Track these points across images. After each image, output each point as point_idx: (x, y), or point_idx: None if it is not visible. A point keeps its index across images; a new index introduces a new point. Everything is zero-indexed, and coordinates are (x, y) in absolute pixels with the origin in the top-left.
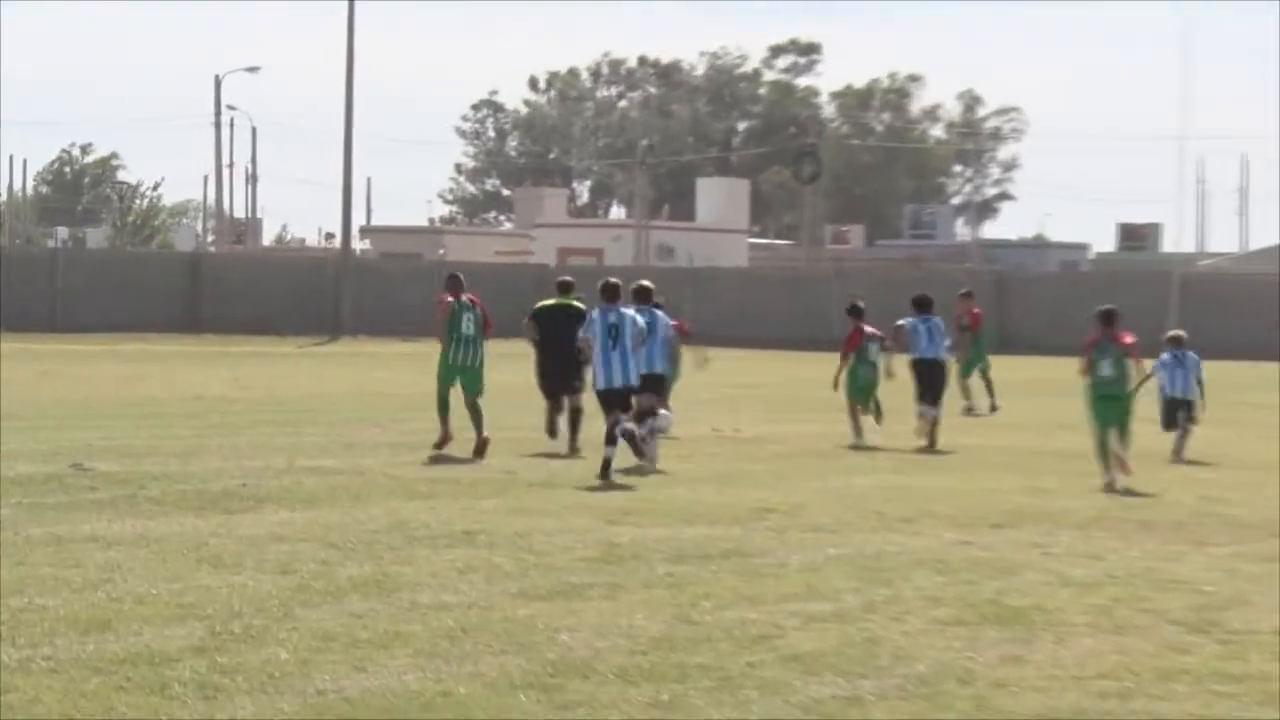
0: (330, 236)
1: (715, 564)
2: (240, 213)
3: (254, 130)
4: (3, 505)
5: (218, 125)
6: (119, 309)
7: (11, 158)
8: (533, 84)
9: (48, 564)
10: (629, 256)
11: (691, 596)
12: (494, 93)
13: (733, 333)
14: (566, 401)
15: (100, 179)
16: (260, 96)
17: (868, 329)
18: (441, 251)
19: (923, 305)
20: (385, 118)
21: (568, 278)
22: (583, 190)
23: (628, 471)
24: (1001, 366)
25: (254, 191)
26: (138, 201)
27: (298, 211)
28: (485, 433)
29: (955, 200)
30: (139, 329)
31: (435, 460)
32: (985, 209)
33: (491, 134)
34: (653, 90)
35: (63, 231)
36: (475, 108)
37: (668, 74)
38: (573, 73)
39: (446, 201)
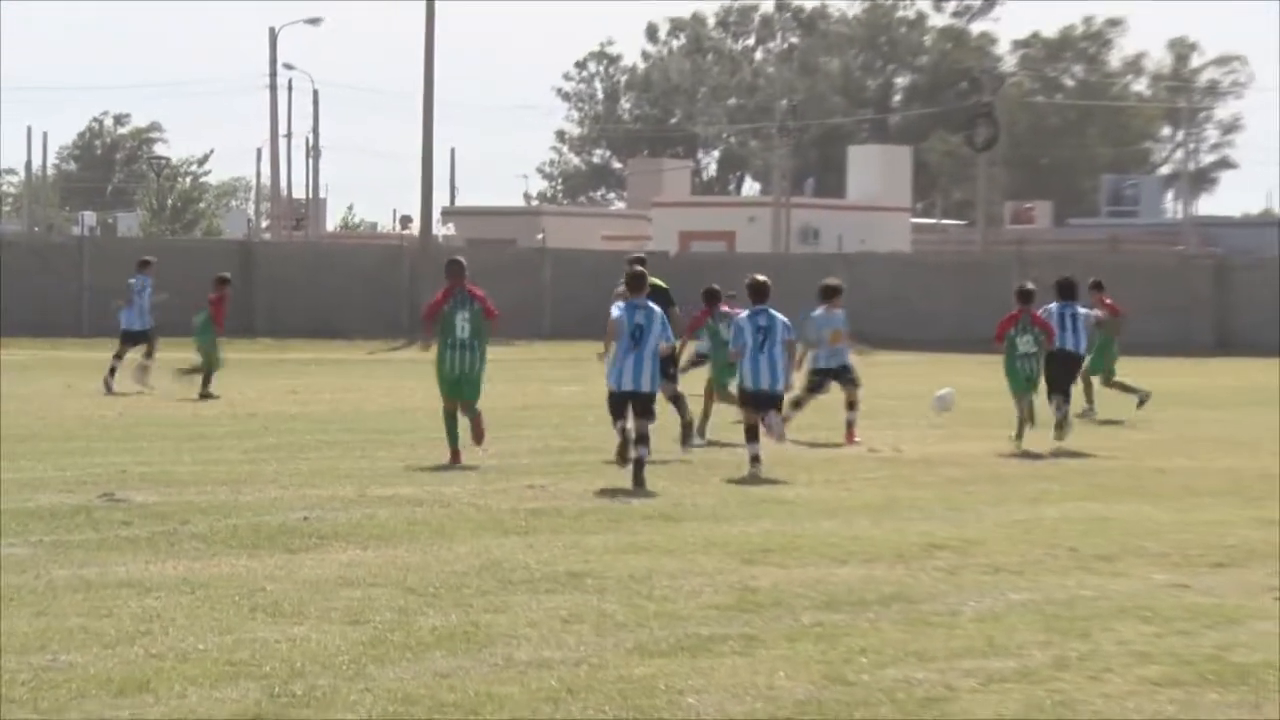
0: (407, 220)
1: (873, 612)
2: (300, 193)
3: (315, 94)
4: (22, 544)
5: (273, 88)
6: (162, 308)
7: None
8: (651, 33)
9: (75, 613)
10: (766, 240)
11: (845, 651)
12: (606, 44)
13: (892, 331)
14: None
15: (135, 154)
16: (323, 54)
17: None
18: (540, 236)
19: (1066, 291)
20: (472, 77)
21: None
22: (710, 162)
23: (759, 503)
24: (1219, 371)
25: (316, 167)
26: (179, 180)
27: (368, 191)
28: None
29: (1163, 170)
30: (180, 332)
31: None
32: (1200, 180)
33: (600, 95)
34: (794, 40)
35: (90, 217)
36: (580, 64)
37: (812, 21)
38: (698, 20)
39: (545, 177)
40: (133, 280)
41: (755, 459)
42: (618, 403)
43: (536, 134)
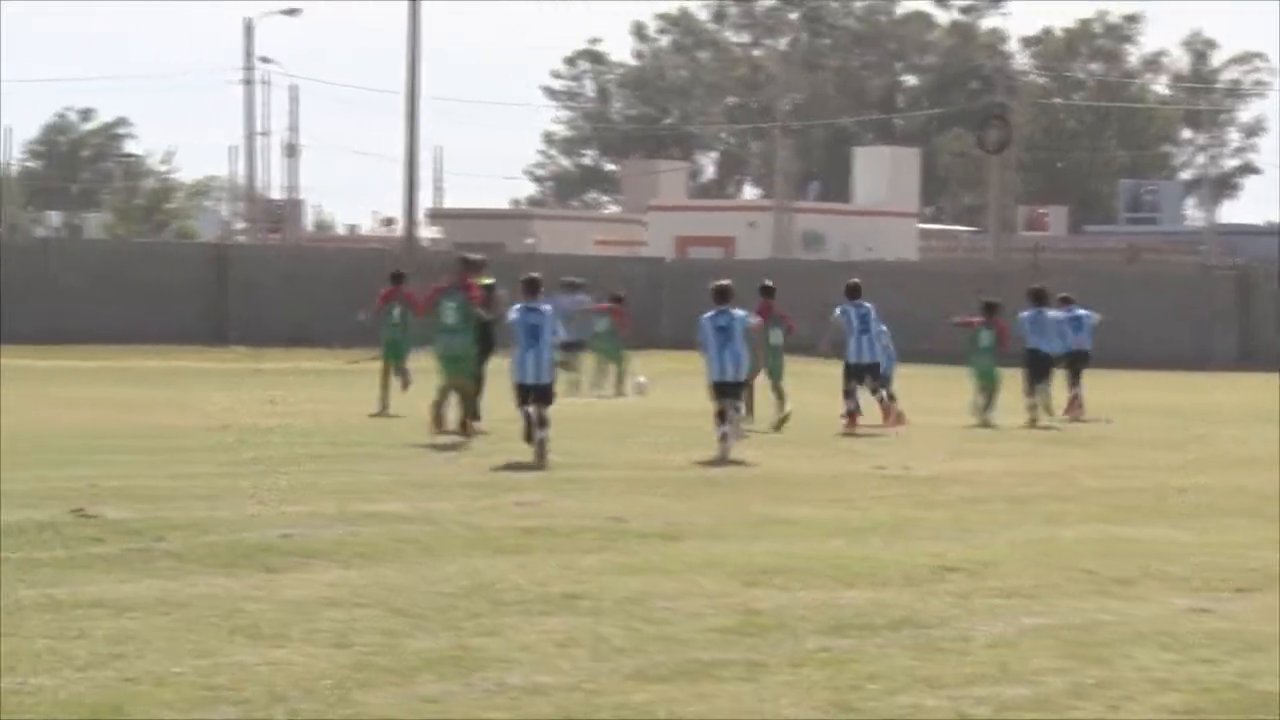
0: (390, 222)
1: (882, 636)
2: (276, 193)
3: (293, 89)
4: None
5: (249, 83)
6: (125, 314)
7: None
8: (639, 31)
9: (44, 635)
10: (766, 246)
11: (852, 678)
12: (594, 41)
13: (898, 343)
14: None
15: (102, 151)
16: (301, 47)
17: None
18: (530, 241)
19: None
20: (458, 73)
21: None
22: (707, 164)
23: (761, 522)
24: (1242, 385)
25: (294, 166)
26: (148, 179)
27: (348, 191)
28: (478, 421)
29: (1184, 175)
30: (151, 339)
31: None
32: (1223, 185)
33: (591, 94)
34: (795, 36)
35: (55, 217)
36: (570, 60)
37: (814, 15)
38: (688, 15)
39: (534, 179)
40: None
41: (724, 437)
42: (522, 392)
43: (525, 133)
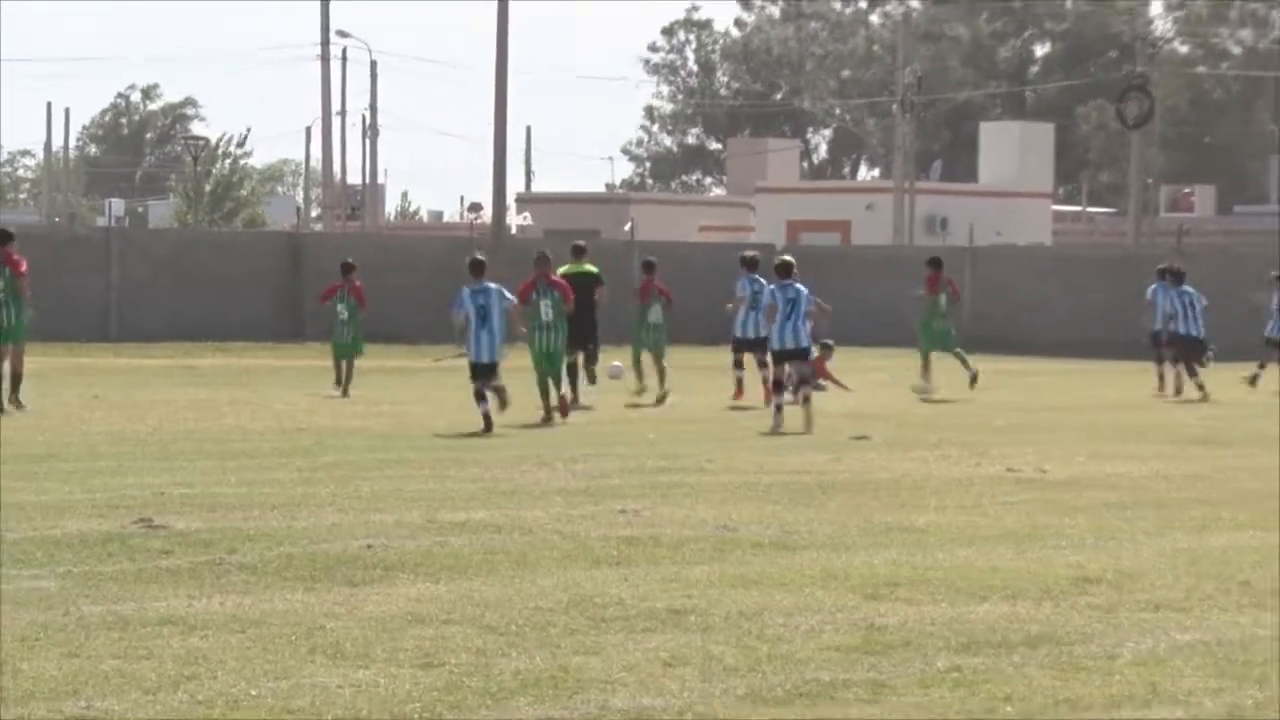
0: (477, 209)
1: (1018, 654)
2: (355, 177)
3: (373, 65)
4: (49, 576)
5: (325, 59)
6: (194, 309)
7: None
8: None
9: (110, 655)
10: (886, 231)
11: (986, 700)
12: (694, 10)
13: (1030, 335)
14: (581, 360)
15: (168, 134)
16: (382, 21)
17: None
18: (627, 226)
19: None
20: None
21: (581, 242)
22: (820, 142)
23: (883, 530)
24: None
25: (373, 148)
26: (218, 164)
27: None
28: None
29: None
30: (221, 336)
31: (622, 512)
32: None
33: (693, 67)
34: (915, 4)
35: (118, 205)
36: (668, 31)
37: None
38: None
39: (633, 159)
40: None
41: (779, 409)
42: (474, 369)
43: (622, 111)
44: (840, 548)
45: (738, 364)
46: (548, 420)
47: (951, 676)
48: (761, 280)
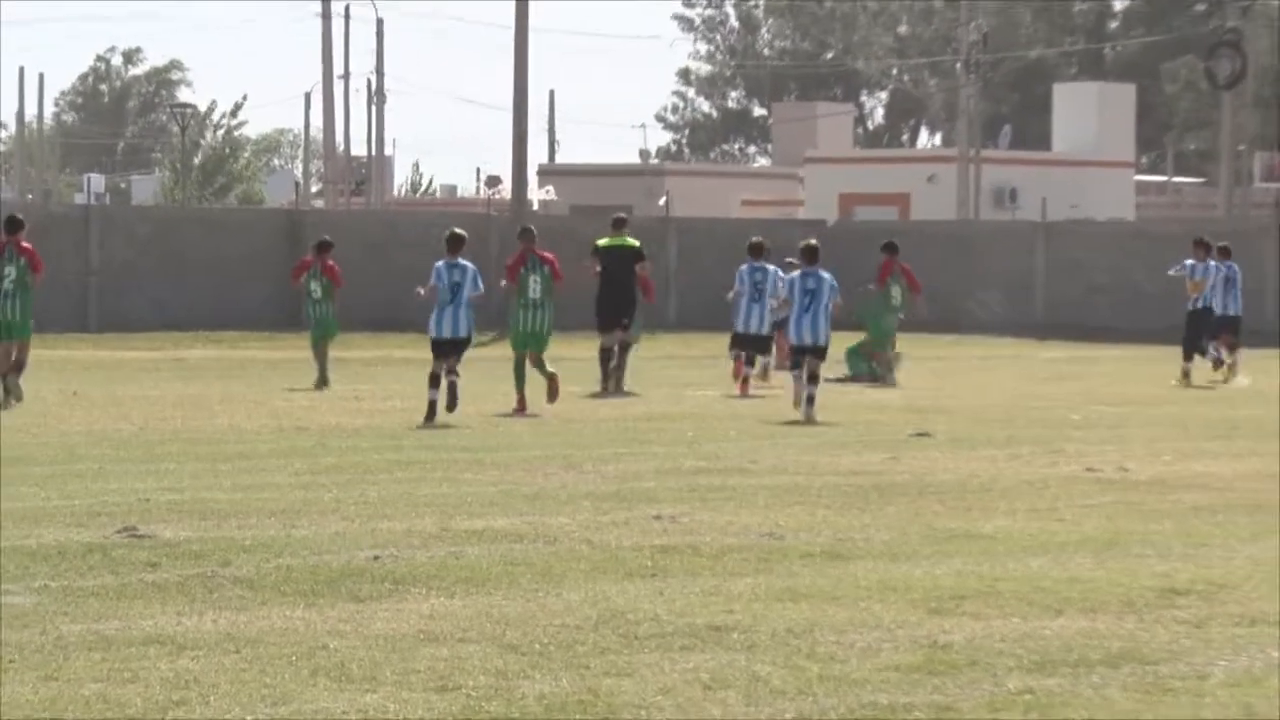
0: (495, 183)
1: (1097, 674)
2: (360, 149)
3: (379, 24)
4: (24, 590)
5: (325, 17)
6: (182, 296)
7: (22, 72)
8: None
9: (91, 678)
10: (949, 204)
11: None
12: None
13: (1111, 319)
14: (618, 338)
15: (153, 102)
16: None
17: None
18: (662, 202)
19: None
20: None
21: (621, 214)
22: (876, 107)
23: (948, 538)
24: None
25: (380, 116)
26: (209, 135)
27: (445, 146)
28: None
29: None
30: (212, 325)
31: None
32: None
33: (734, 24)
34: None
35: (97, 181)
36: None
37: None
38: None
39: (668, 127)
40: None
41: (810, 400)
42: (437, 347)
43: (655, 73)
44: (899, 557)
45: (746, 360)
46: (519, 411)
47: (1024, 699)
48: (768, 268)
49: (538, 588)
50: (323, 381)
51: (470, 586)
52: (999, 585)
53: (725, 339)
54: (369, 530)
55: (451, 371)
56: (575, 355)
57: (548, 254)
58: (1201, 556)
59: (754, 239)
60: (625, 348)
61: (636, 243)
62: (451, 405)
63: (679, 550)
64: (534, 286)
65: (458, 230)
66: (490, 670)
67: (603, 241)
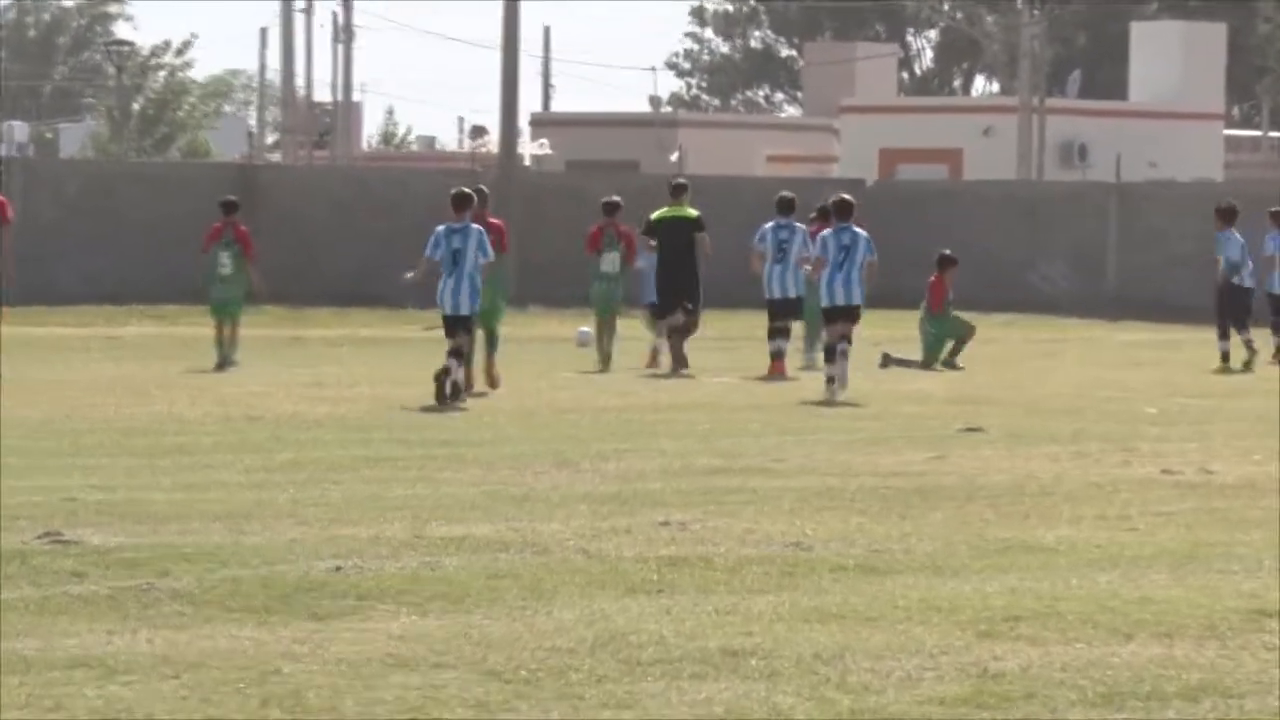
0: (481, 133)
1: (1174, 708)
2: (324, 94)
3: None
4: None
5: None
6: (117, 263)
7: None
8: None
9: (10, 705)
10: (1008, 162)
11: None
12: None
13: (1195, 296)
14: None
15: (85, 38)
16: None
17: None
18: (674, 156)
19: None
20: None
21: (681, 179)
22: (924, 48)
23: (1001, 549)
24: None
25: (348, 56)
26: (150, 77)
27: (424, 91)
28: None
29: None
30: (152, 297)
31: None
32: None
33: None
34: None
35: (20, 129)
36: None
37: None
38: None
39: (681, 73)
40: None
41: (831, 380)
42: (445, 323)
43: (664, 10)
44: (945, 571)
45: (778, 334)
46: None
47: None
48: (796, 226)
49: (525, 605)
50: (225, 363)
51: (447, 603)
52: (1060, 605)
53: (744, 317)
54: (330, 537)
55: (455, 354)
56: (553, 335)
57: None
58: None
59: (784, 193)
60: (687, 332)
61: (696, 213)
62: (454, 393)
63: (689, 562)
64: (611, 261)
65: (464, 188)
66: (469, 701)
67: (658, 214)
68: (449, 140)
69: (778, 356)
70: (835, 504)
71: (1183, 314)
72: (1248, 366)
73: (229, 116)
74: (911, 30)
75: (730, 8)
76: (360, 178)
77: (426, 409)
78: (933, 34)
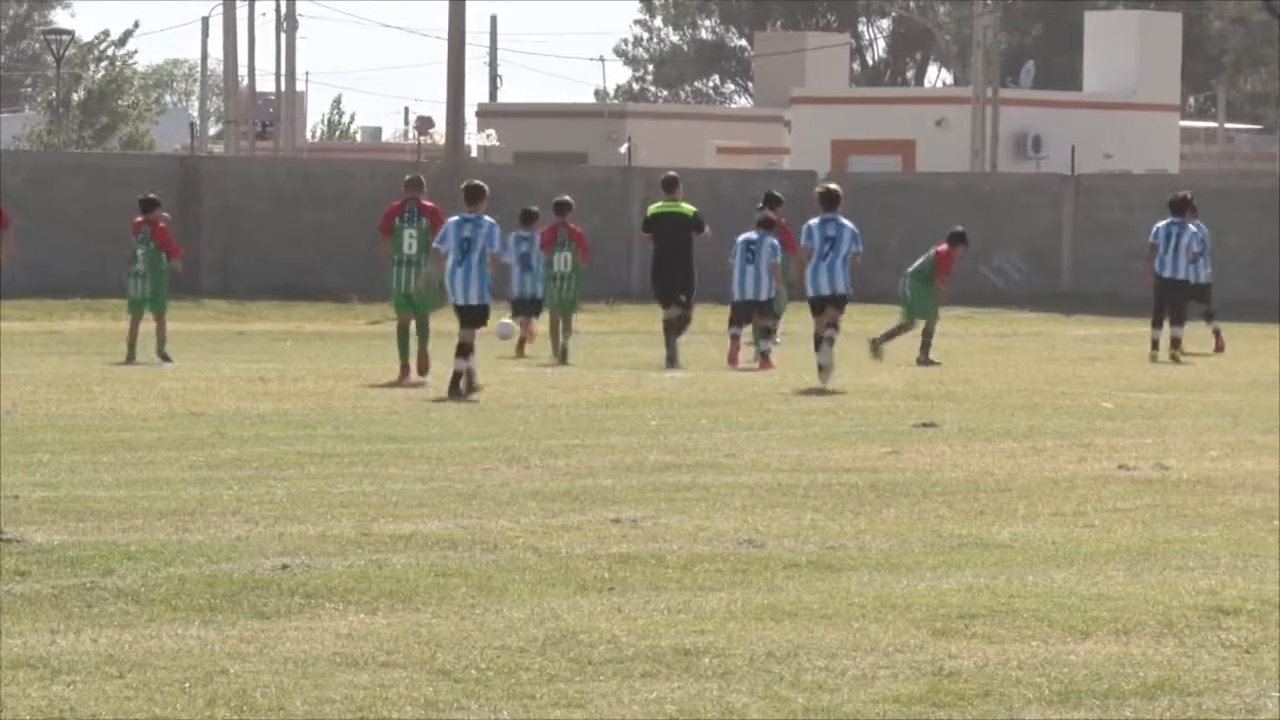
0: (427, 125)
1: (1131, 706)
2: (267, 84)
3: None
4: None
5: None
6: (57, 256)
7: None
8: None
9: None
10: (961, 153)
11: None
12: None
13: (1150, 290)
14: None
15: (23, 27)
16: None
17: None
18: (623, 149)
19: (1177, 208)
20: None
21: (672, 173)
22: (877, 37)
23: (956, 546)
24: None
25: (291, 45)
26: (91, 67)
27: (369, 82)
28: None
29: None
30: (92, 291)
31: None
32: None
33: None
34: None
35: None
36: None
37: None
38: None
39: (628, 62)
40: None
41: (822, 368)
42: (461, 315)
43: None
44: (900, 569)
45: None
46: (405, 377)
47: None
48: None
49: (474, 603)
50: (130, 357)
51: (395, 601)
52: (1016, 602)
53: (708, 308)
54: (276, 535)
55: (464, 351)
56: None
57: (577, 229)
58: (1253, 570)
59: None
60: (681, 326)
61: (692, 209)
62: (467, 387)
63: (641, 560)
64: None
65: (476, 181)
66: (418, 700)
67: (653, 209)
68: (394, 132)
69: (765, 354)
70: (788, 500)
71: (1138, 307)
72: (1174, 359)
73: (171, 107)
74: (863, 20)
75: None
76: (304, 169)
77: (372, 404)
78: (885, 24)
